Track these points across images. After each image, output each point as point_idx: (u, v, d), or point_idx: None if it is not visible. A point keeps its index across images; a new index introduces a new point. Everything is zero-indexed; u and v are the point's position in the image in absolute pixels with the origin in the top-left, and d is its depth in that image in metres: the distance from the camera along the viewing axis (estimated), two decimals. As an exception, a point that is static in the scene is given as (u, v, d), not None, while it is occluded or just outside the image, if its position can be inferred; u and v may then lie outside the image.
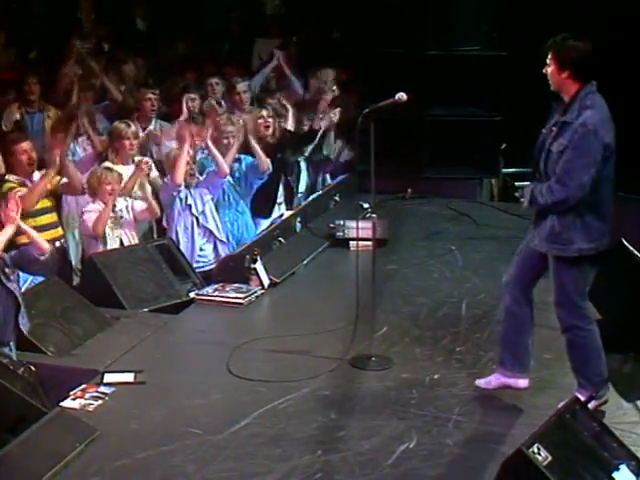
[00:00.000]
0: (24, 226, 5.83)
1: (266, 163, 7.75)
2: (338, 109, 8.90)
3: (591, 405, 4.63)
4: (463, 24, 9.06)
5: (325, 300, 6.57)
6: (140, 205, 7.02)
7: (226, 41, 11.62)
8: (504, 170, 9.51)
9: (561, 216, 4.69)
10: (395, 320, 6.21)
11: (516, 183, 8.34)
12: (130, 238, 6.93)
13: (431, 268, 7.28)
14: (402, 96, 5.72)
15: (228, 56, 11.10)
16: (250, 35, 11.52)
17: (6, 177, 6.72)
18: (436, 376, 5.40)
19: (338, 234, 7.67)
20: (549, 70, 4.69)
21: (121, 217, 6.90)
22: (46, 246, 5.60)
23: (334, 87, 9.39)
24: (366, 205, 7.41)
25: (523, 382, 5.07)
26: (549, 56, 4.69)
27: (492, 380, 5.15)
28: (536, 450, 3.93)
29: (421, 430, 4.78)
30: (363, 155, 8.03)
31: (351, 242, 7.42)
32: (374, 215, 6.00)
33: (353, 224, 7.26)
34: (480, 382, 5.21)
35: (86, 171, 7.38)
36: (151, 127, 8.47)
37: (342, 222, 7.70)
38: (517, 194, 4.96)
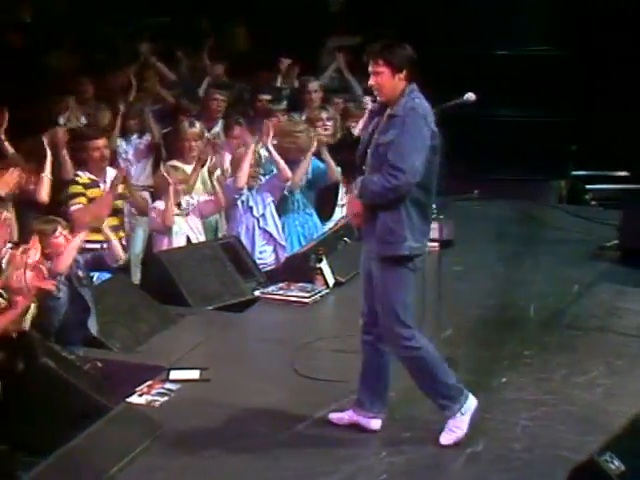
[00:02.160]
0: (108, 233, 6.00)
1: (335, 172, 7.70)
2: None
3: (465, 418, 4.57)
4: (533, 24, 8.98)
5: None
6: (205, 199, 7.09)
7: (292, 39, 11.63)
8: (574, 172, 9.41)
9: (391, 213, 4.53)
10: (460, 322, 6.17)
11: (587, 186, 8.26)
12: (197, 235, 7.00)
13: (498, 270, 7.23)
14: (471, 96, 5.68)
15: (295, 55, 11.08)
16: (317, 33, 11.51)
17: (77, 172, 6.80)
18: (503, 379, 5.35)
19: (403, 235, 7.61)
20: (380, 78, 4.62)
21: (187, 214, 6.97)
22: (122, 255, 5.74)
23: None
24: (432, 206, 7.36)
25: (376, 423, 4.78)
26: (376, 64, 4.62)
27: (345, 417, 4.85)
28: (608, 459, 3.83)
29: (488, 434, 4.75)
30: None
31: (417, 243, 7.37)
32: (440, 216, 5.97)
33: (419, 225, 7.21)
34: (332, 417, 4.87)
35: (137, 170, 7.50)
36: (217, 129, 8.53)
37: (407, 223, 7.64)
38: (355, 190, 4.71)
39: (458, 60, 8.66)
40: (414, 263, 4.62)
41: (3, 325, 4.62)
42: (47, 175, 6.51)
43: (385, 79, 4.60)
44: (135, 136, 8.16)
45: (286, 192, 7.49)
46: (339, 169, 7.72)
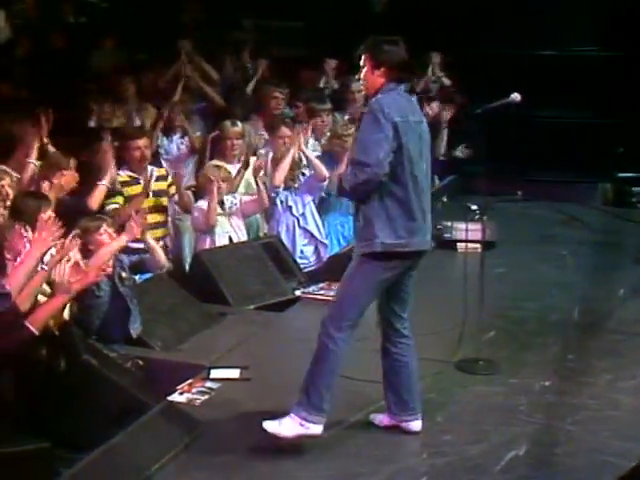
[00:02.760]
0: (151, 243, 6.09)
1: None
2: (448, 106, 8.81)
3: (304, 430, 4.47)
4: (580, 24, 8.90)
5: (431, 301, 6.50)
6: (248, 198, 7.12)
7: (335, 39, 11.64)
8: (620, 174, 9.31)
9: (369, 209, 4.53)
10: (503, 324, 6.14)
11: (633, 188, 8.17)
12: (239, 234, 7.03)
13: (541, 272, 7.18)
14: (516, 96, 5.65)
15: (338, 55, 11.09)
16: (359, 33, 11.52)
17: (118, 172, 6.84)
18: (546, 383, 5.31)
19: (445, 235, 7.63)
20: (363, 73, 4.65)
21: (230, 214, 7.00)
22: (165, 263, 5.78)
23: (441, 73, 9.32)
24: (474, 207, 7.33)
25: (416, 424, 4.74)
26: (362, 59, 4.65)
27: (385, 419, 4.82)
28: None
29: (530, 438, 4.71)
30: (472, 156, 8.00)
31: (458, 244, 7.36)
32: (483, 217, 5.95)
33: (461, 225, 7.21)
34: (374, 418, 4.85)
35: (179, 168, 7.55)
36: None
37: (449, 223, 7.66)
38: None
39: (504, 60, 8.61)
40: (391, 262, 4.52)
41: (43, 319, 4.67)
42: (104, 184, 6.53)
43: (366, 74, 4.66)
44: (177, 135, 8.21)
45: (325, 193, 7.51)
46: None
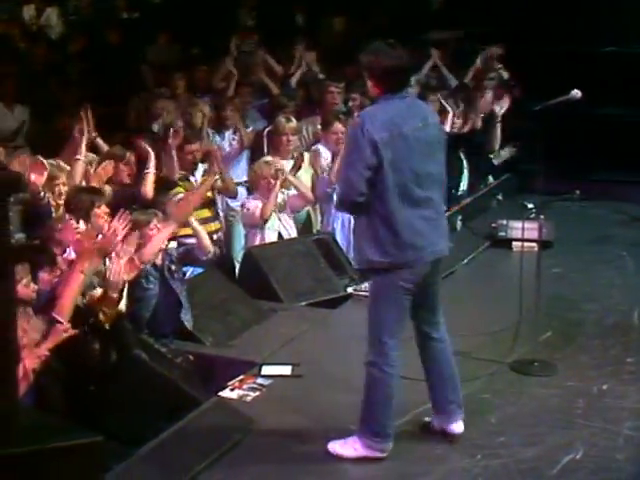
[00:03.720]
0: (196, 226, 6.09)
1: None
2: (503, 101, 8.72)
3: (368, 453, 4.39)
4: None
5: (485, 301, 6.48)
6: (293, 193, 7.14)
7: (389, 35, 11.61)
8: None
9: (356, 224, 4.53)
10: (560, 325, 6.06)
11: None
12: (289, 231, 7.03)
13: (599, 273, 7.07)
14: (577, 93, 5.58)
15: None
16: (415, 29, 11.45)
17: None
18: (604, 386, 5.22)
19: (500, 234, 7.57)
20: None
21: (280, 211, 7.00)
22: (210, 247, 5.80)
23: (499, 66, 9.23)
24: (530, 205, 7.24)
25: (457, 427, 4.64)
26: None
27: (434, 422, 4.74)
28: None
29: (588, 442, 4.63)
30: (528, 153, 7.89)
31: (514, 243, 7.29)
32: (540, 216, 5.88)
33: (517, 224, 7.13)
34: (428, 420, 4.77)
35: (231, 164, 7.60)
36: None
37: (505, 222, 7.59)
38: None
39: (564, 57, 8.51)
40: (397, 274, 4.38)
41: (68, 307, 4.68)
42: (151, 171, 6.61)
43: (368, 85, 4.53)
44: (230, 131, 8.23)
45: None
46: None
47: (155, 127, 8.03)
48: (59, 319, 4.57)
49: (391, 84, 4.41)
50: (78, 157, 6.41)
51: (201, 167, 7.16)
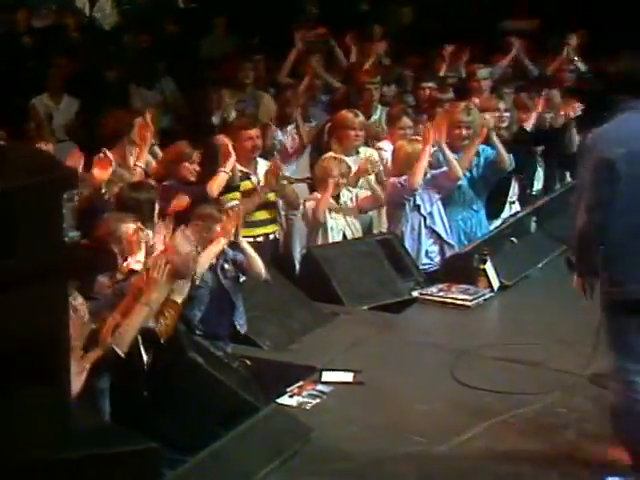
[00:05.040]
0: (245, 246, 5.72)
1: (507, 160, 7.45)
2: (579, 104, 8.58)
3: None
4: None
5: (562, 308, 6.31)
6: (364, 193, 7.05)
7: (462, 23, 11.46)
8: None
9: None
10: (643, 336, 5.90)
11: None
12: (354, 231, 6.97)
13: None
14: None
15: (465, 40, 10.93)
16: (490, 18, 11.31)
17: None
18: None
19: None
20: None
21: (345, 210, 6.95)
22: (263, 274, 5.64)
23: (576, 57, 9.09)
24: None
25: None
26: None
27: None
28: None
29: None
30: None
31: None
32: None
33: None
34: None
35: (291, 160, 7.59)
36: (375, 117, 8.49)
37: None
38: None
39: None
40: None
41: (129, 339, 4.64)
42: (226, 171, 6.51)
43: None
44: (292, 126, 8.20)
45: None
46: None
47: (214, 120, 8.05)
48: (118, 351, 4.51)
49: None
50: (138, 164, 6.37)
51: (262, 163, 7.08)
